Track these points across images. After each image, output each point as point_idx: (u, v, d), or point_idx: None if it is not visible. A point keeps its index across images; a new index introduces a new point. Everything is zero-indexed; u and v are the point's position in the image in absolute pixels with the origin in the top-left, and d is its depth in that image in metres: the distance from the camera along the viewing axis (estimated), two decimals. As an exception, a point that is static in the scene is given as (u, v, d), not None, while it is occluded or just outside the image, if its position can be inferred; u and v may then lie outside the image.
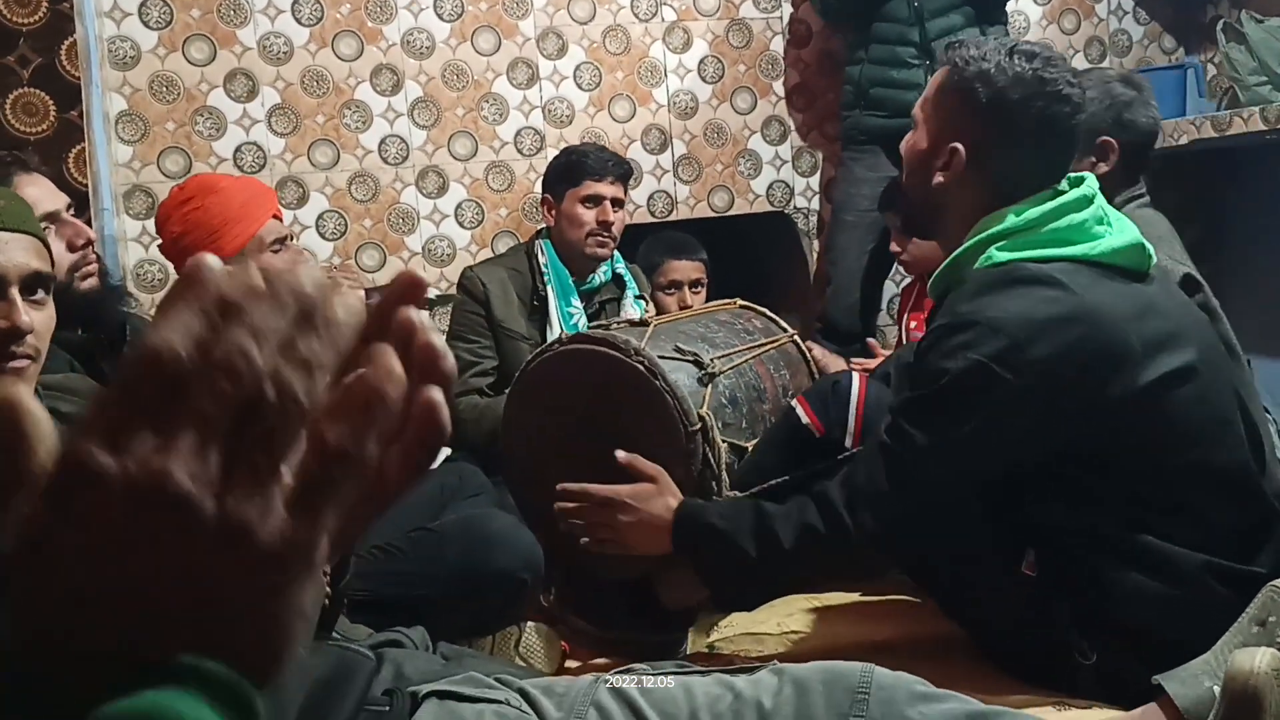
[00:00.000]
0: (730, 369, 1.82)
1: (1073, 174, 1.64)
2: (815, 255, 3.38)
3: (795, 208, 3.41)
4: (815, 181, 3.41)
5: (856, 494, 1.51)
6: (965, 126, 1.59)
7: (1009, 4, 3.25)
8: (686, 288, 2.89)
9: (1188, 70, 3.46)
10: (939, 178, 1.61)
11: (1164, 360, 1.49)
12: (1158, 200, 2.27)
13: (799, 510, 1.54)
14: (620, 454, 1.67)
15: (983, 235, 1.56)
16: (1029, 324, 1.45)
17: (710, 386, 1.77)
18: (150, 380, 0.34)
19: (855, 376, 1.77)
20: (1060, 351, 1.45)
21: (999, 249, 1.54)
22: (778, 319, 2.05)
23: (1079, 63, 3.58)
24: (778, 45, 3.33)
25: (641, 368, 1.71)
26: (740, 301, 2.03)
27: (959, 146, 1.58)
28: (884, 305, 3.29)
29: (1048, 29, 3.56)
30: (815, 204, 3.40)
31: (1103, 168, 2.12)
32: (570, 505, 1.70)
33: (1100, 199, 1.61)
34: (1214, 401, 1.55)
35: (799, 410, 1.74)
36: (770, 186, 3.37)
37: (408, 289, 0.39)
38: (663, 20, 3.22)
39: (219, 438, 0.34)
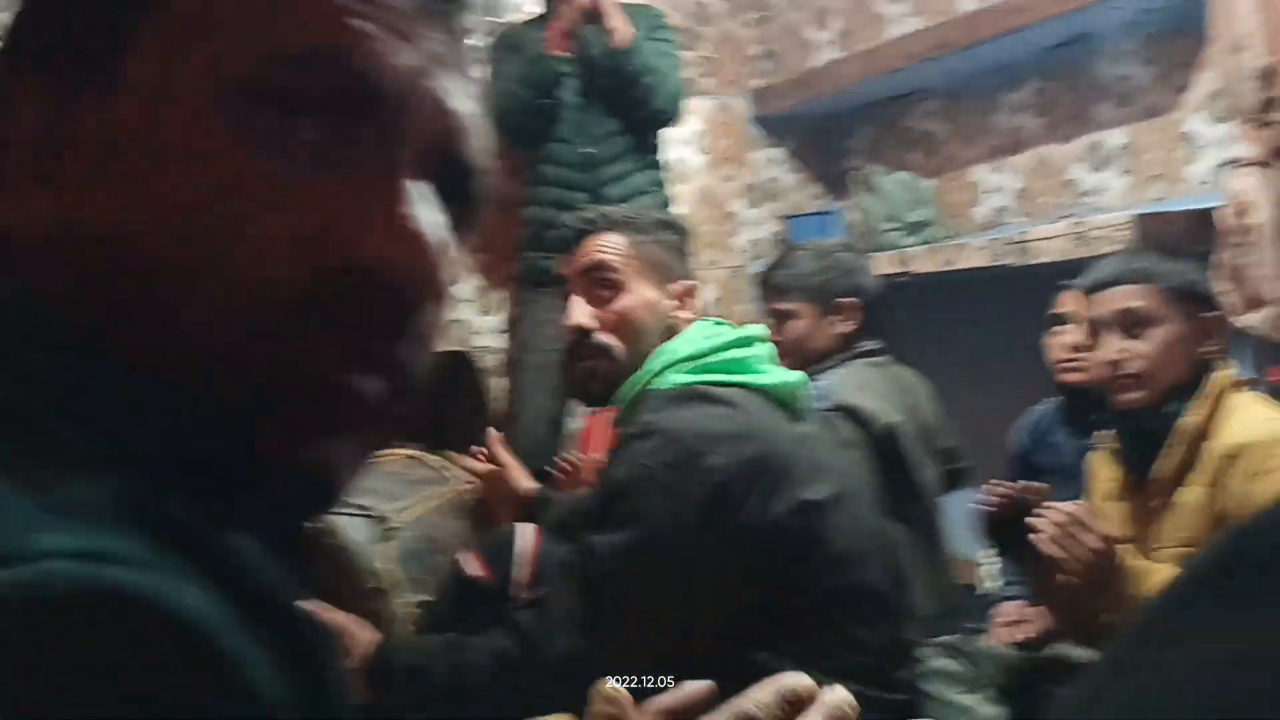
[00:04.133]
0: (410, 522, 1.78)
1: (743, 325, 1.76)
2: (500, 394, 3.39)
3: (477, 347, 3.42)
4: (497, 320, 3.44)
5: (548, 615, 1.50)
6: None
7: (672, 153, 3.46)
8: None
9: (831, 216, 3.79)
10: None
11: (819, 487, 1.59)
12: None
13: (494, 639, 1.52)
14: (302, 606, 1.58)
15: (667, 359, 1.64)
16: (707, 436, 1.51)
17: (390, 542, 1.71)
18: None
19: (528, 528, 1.77)
20: (734, 465, 1.51)
21: (677, 373, 1.62)
22: (446, 466, 2.03)
23: (738, 208, 3.86)
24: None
25: (317, 528, 1.63)
26: (409, 451, 1.99)
27: None
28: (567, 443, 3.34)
29: (709, 176, 3.81)
30: (498, 343, 3.43)
31: (847, 325, 2.28)
32: None
33: (767, 343, 1.72)
34: (861, 531, 1.65)
35: (468, 562, 1.71)
36: (450, 326, 3.37)
37: None
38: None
39: None
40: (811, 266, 2.32)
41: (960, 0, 3.34)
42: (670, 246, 1.75)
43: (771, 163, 3.92)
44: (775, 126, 3.90)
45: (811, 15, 3.87)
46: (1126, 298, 1.75)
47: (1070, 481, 2.25)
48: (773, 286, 2.39)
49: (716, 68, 3.87)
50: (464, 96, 0.49)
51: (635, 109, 3.02)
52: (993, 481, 1.75)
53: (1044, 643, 2.02)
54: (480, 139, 0.51)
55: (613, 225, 1.71)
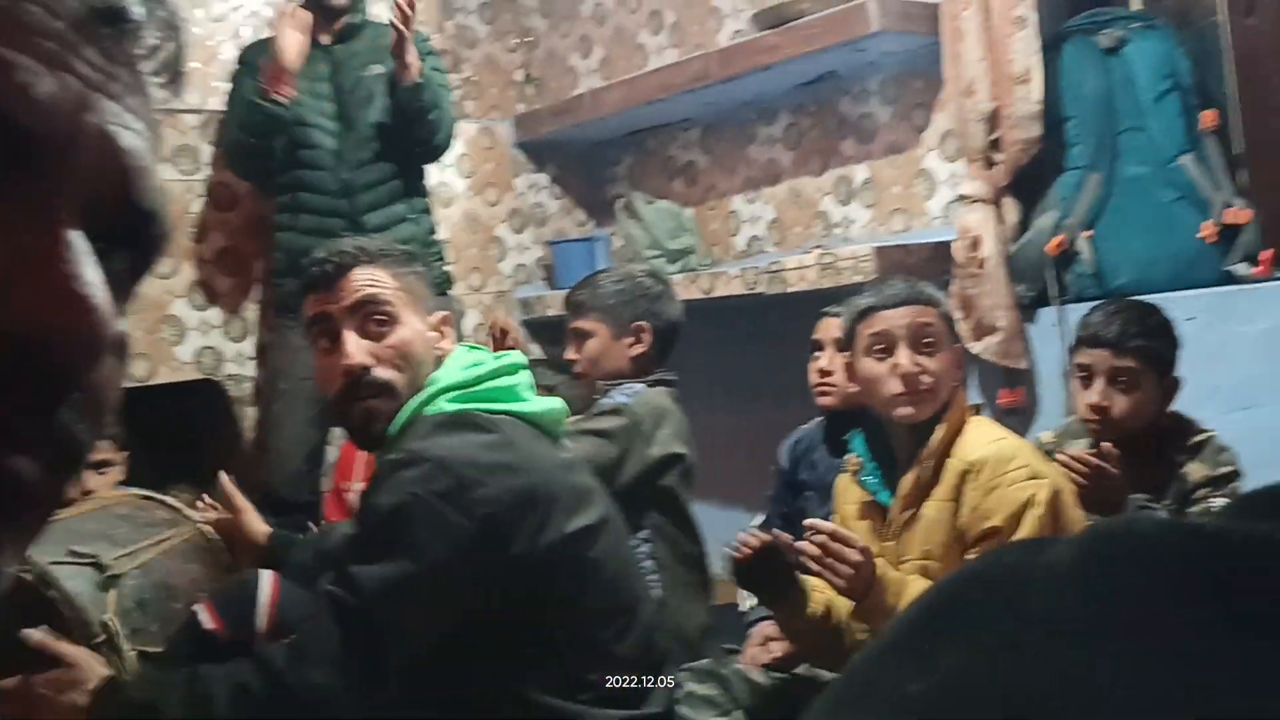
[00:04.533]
0: (135, 568, 1.65)
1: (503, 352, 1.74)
2: (252, 424, 3.24)
3: (227, 375, 3.25)
4: (248, 347, 3.29)
5: (302, 651, 1.44)
6: None
7: (435, 177, 3.41)
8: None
9: (596, 242, 3.82)
10: None
11: (585, 514, 1.59)
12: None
13: (235, 671, 1.43)
14: (30, 633, 1.47)
15: (434, 389, 1.61)
16: (476, 465, 1.50)
17: (114, 590, 1.59)
18: None
19: (267, 575, 1.68)
20: (503, 494, 1.50)
21: (448, 400, 1.60)
22: (183, 507, 1.91)
23: (503, 233, 3.83)
24: (197, 208, 3.22)
25: (30, 579, 1.50)
26: (139, 491, 1.87)
27: None
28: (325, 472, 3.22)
29: (472, 200, 3.77)
30: (249, 370, 3.28)
31: (639, 349, 2.38)
32: None
33: (528, 371, 1.72)
34: (621, 553, 1.68)
35: (202, 613, 1.61)
36: (199, 353, 3.20)
37: None
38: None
39: None
40: (612, 289, 2.43)
41: (718, 35, 3.45)
42: (423, 277, 1.73)
43: (535, 188, 3.92)
44: (539, 152, 3.90)
45: (574, 43, 3.90)
46: (920, 315, 1.83)
47: (829, 498, 2.34)
48: (575, 305, 2.48)
49: (480, 92, 3.85)
50: (135, 131, 0.44)
51: (418, 144, 2.98)
52: (741, 535, 1.79)
53: (794, 663, 2.07)
54: (154, 178, 0.45)
55: (374, 258, 1.66)
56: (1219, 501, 1.85)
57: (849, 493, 1.96)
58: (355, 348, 1.60)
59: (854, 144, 3.19)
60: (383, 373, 1.60)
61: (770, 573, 1.75)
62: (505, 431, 1.57)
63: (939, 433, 1.79)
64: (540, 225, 3.92)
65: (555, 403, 1.71)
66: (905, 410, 1.81)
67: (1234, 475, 1.90)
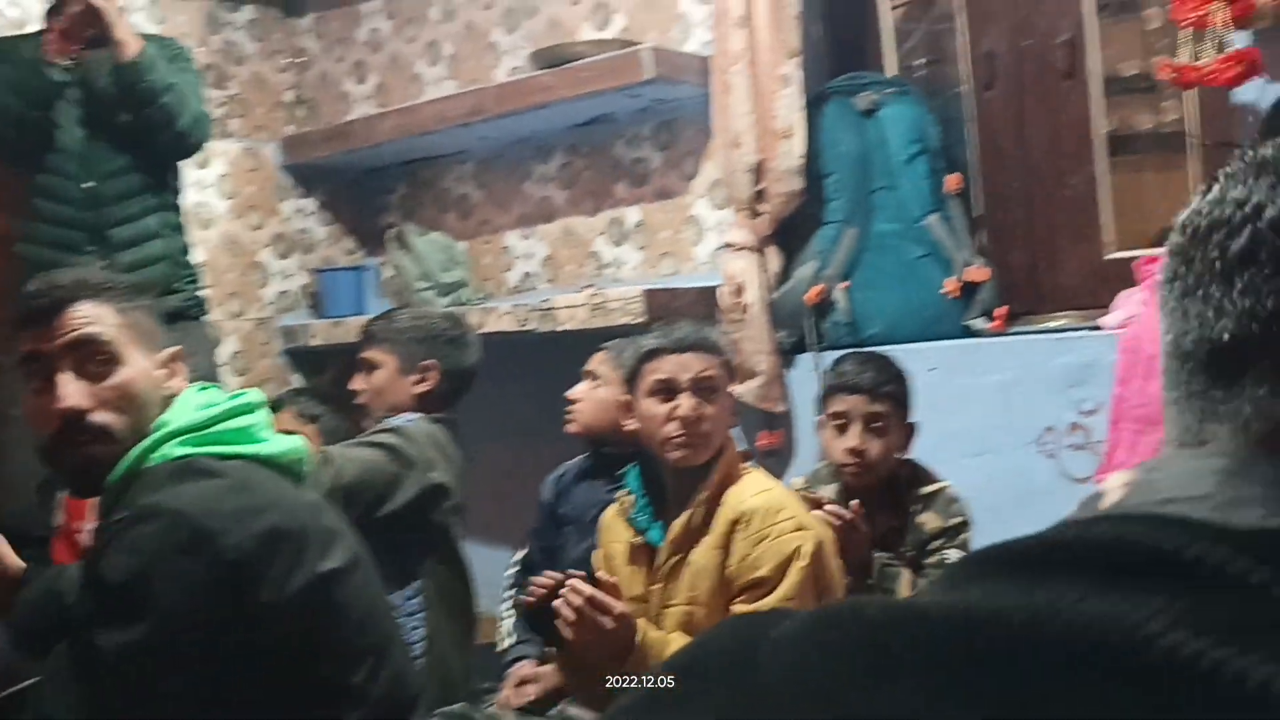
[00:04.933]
0: None
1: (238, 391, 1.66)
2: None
3: (-52, 400, 2.98)
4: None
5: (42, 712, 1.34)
6: None
7: (193, 197, 3.24)
8: None
9: (365, 271, 3.73)
10: None
11: (334, 555, 1.54)
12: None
13: None
14: None
15: (162, 433, 1.50)
16: (217, 512, 1.42)
17: None
18: None
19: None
20: (248, 539, 1.42)
21: (175, 447, 1.50)
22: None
23: (266, 258, 3.69)
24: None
25: None
26: None
27: None
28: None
29: (233, 223, 3.62)
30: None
31: (423, 387, 2.39)
32: None
33: (266, 409, 1.64)
34: (373, 593, 1.64)
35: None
36: (-85, 375, 2.91)
37: None
38: None
39: None
40: (407, 324, 2.45)
41: (495, 70, 3.44)
42: (151, 311, 1.62)
43: (303, 213, 3.79)
44: (308, 176, 3.78)
45: (349, 67, 3.81)
46: (704, 363, 1.86)
47: (587, 534, 2.35)
48: (368, 335, 2.50)
49: (246, 110, 3.70)
50: None
51: (155, 132, 2.76)
52: (532, 578, 1.77)
53: (549, 704, 2.06)
54: None
55: (95, 292, 1.54)
56: (952, 553, 1.97)
57: (616, 529, 1.96)
58: (70, 390, 1.47)
59: (627, 187, 3.24)
60: (101, 416, 1.49)
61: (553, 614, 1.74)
62: (242, 476, 1.50)
63: (713, 479, 1.82)
64: (306, 252, 3.79)
65: (295, 442, 1.64)
66: (680, 454, 1.84)
67: (964, 526, 2.02)
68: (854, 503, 1.95)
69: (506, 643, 2.46)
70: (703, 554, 1.82)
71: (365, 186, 3.87)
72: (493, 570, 2.76)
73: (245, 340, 3.61)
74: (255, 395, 1.64)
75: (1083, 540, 0.43)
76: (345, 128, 3.57)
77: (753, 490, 1.85)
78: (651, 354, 1.87)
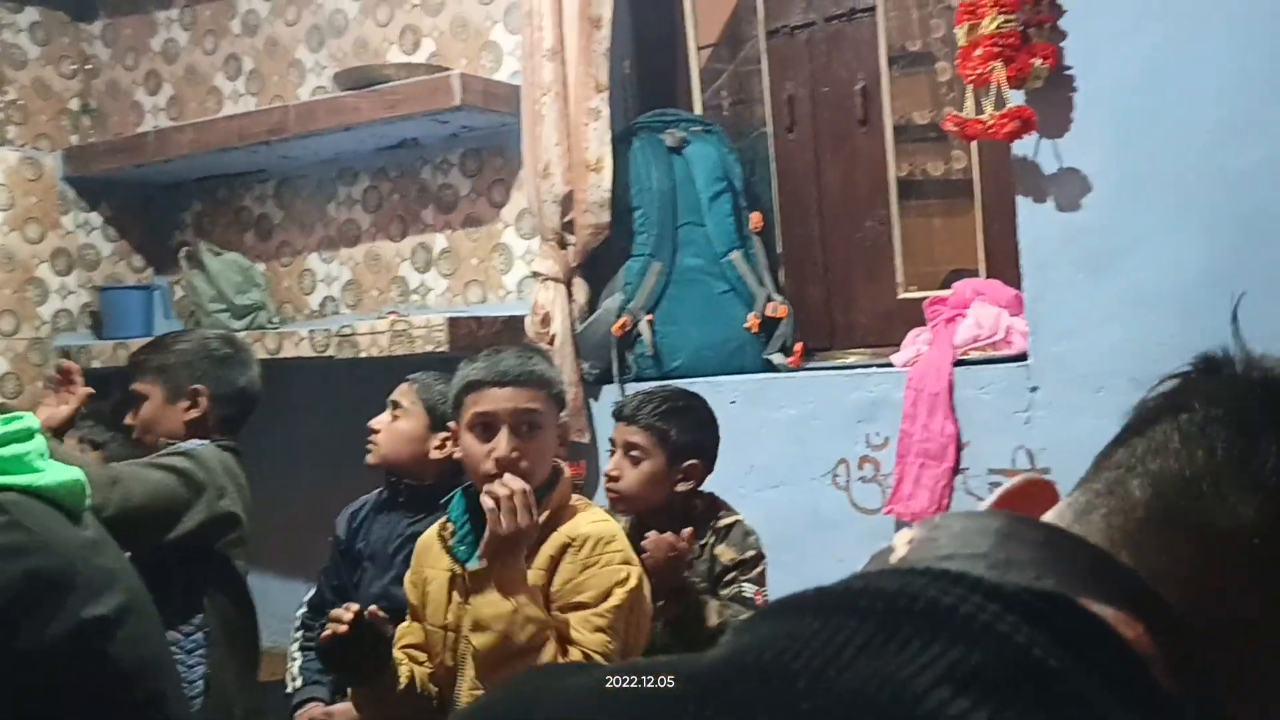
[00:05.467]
0: None
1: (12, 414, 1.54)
2: None
3: None
4: None
5: None
6: None
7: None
8: None
9: (155, 290, 3.56)
10: None
11: (106, 600, 1.45)
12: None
13: None
14: None
15: None
16: None
17: None
18: None
19: None
20: (9, 582, 1.34)
21: None
22: None
23: (45, 274, 3.47)
24: None
25: None
26: None
27: None
28: None
29: (8, 236, 3.38)
30: None
31: (194, 413, 2.24)
32: None
33: (41, 436, 1.53)
34: (152, 638, 1.56)
35: None
36: None
37: None
38: None
39: None
40: (172, 349, 2.31)
41: (299, 89, 3.35)
42: None
43: (87, 228, 3.58)
44: (93, 189, 3.57)
45: (141, 77, 3.64)
46: (526, 399, 1.80)
47: (385, 569, 2.28)
48: (133, 365, 2.36)
49: (26, 117, 3.48)
50: None
51: None
52: (334, 612, 1.69)
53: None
54: None
55: None
56: (747, 586, 2.01)
57: (434, 555, 1.89)
58: None
59: (434, 213, 3.20)
60: None
61: (362, 651, 1.67)
62: (11, 510, 1.40)
63: (543, 514, 1.79)
64: (90, 269, 3.58)
65: (73, 473, 1.54)
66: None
67: (759, 559, 2.07)
68: (686, 530, 1.97)
69: (296, 683, 2.36)
70: (530, 577, 1.79)
71: (157, 202, 3.70)
72: (284, 605, 2.65)
73: (18, 361, 3.38)
74: (30, 420, 1.53)
75: (869, 592, 0.45)
76: (136, 140, 3.40)
77: (588, 519, 1.83)
78: (473, 386, 1.82)
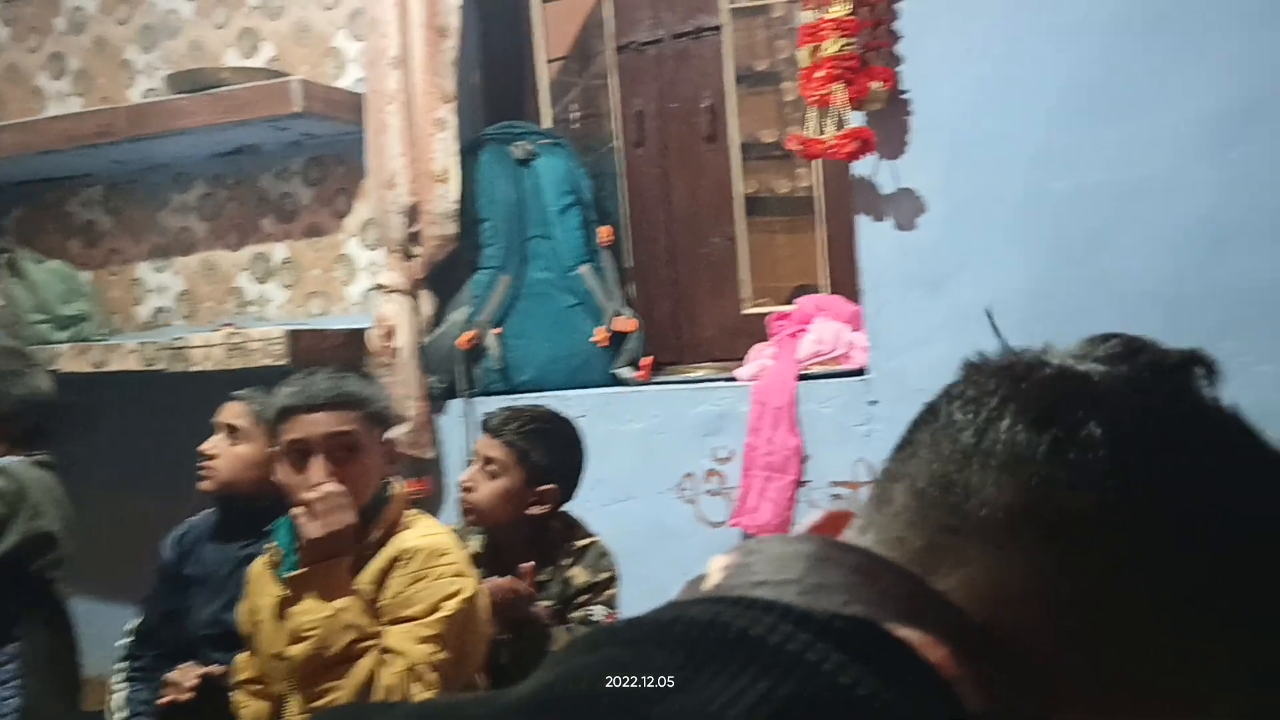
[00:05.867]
0: None
1: None
2: None
3: None
4: None
5: None
6: None
7: None
8: None
9: (-30, 300, 3.35)
10: None
11: None
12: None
13: None
14: None
15: None
16: None
17: None
18: None
19: None
20: None
21: None
22: None
23: None
24: None
25: None
26: None
27: None
28: None
29: None
30: None
31: None
32: None
33: None
34: None
35: None
36: None
37: None
38: None
39: None
40: None
41: (129, 90, 3.21)
42: None
43: (-108, 232, 3.36)
44: (-100, 191, 3.36)
45: (-43, 73, 3.43)
46: (338, 423, 1.73)
47: (219, 594, 2.18)
48: None
49: None
50: None
51: None
52: (171, 676, 1.61)
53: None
54: None
55: None
56: (597, 608, 1.99)
57: (263, 583, 1.81)
58: None
59: (274, 222, 3.10)
60: None
61: (206, 712, 1.59)
62: None
63: (375, 533, 1.74)
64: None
65: None
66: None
67: (611, 581, 2.05)
68: (524, 566, 1.93)
69: (119, 716, 2.24)
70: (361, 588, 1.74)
71: (-28, 206, 3.49)
72: (108, 631, 2.52)
73: None
74: None
75: (680, 621, 0.44)
76: (-51, 140, 3.20)
77: (419, 532, 1.79)
78: (285, 412, 1.75)
